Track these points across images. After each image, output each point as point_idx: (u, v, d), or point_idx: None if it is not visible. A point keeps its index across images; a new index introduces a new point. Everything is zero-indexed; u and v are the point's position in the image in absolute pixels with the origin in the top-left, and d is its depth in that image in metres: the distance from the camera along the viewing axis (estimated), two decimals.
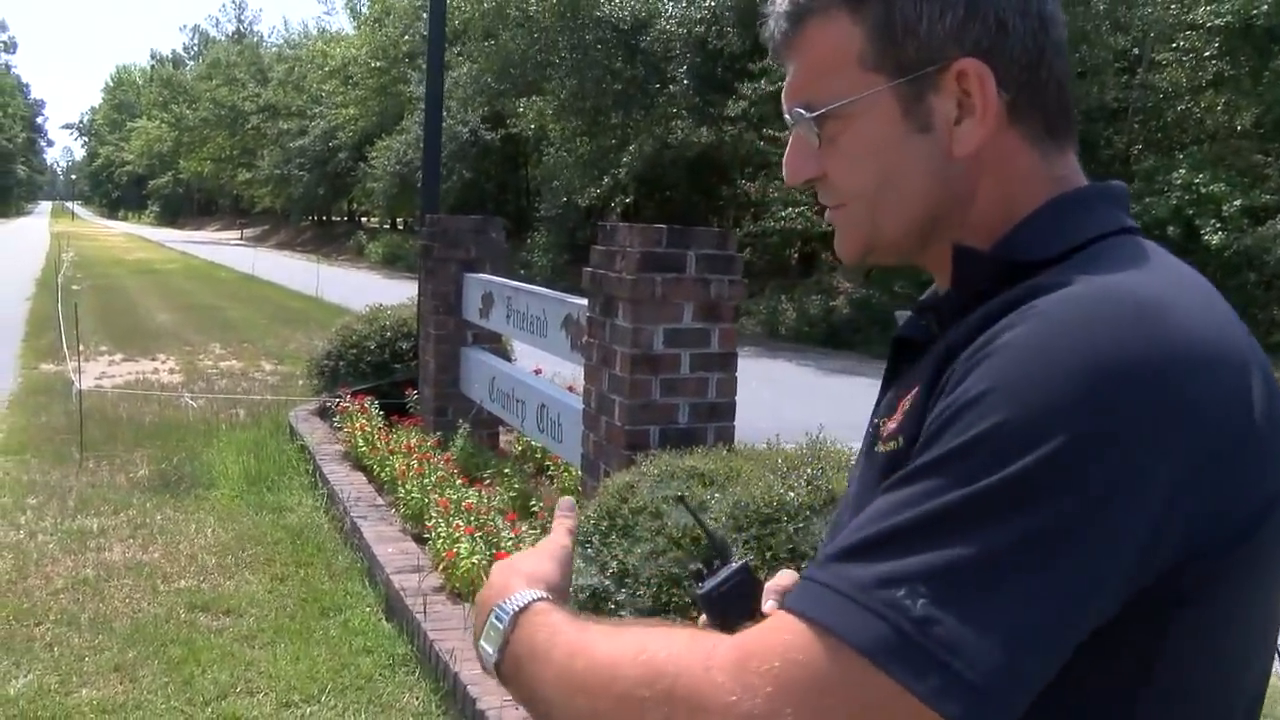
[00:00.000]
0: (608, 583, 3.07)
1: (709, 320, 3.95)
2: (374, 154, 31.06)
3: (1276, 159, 15.52)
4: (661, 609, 2.95)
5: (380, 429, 6.10)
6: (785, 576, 0.95)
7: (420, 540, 4.67)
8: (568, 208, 23.21)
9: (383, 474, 5.54)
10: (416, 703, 3.45)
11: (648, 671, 0.68)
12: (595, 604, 3.07)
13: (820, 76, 0.83)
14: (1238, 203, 14.39)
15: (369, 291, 13.23)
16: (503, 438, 6.58)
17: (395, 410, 6.65)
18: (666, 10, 17.76)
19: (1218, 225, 14.44)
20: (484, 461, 5.68)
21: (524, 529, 4.35)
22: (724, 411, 4.07)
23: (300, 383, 8.69)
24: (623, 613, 2.99)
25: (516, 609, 0.82)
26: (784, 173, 0.90)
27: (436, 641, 3.56)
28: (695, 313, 3.92)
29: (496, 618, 0.83)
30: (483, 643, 0.84)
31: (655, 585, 2.97)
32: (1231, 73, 15.61)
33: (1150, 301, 0.69)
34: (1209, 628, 0.69)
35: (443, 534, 4.34)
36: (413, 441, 5.85)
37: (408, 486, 4.92)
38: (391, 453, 5.58)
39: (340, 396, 6.85)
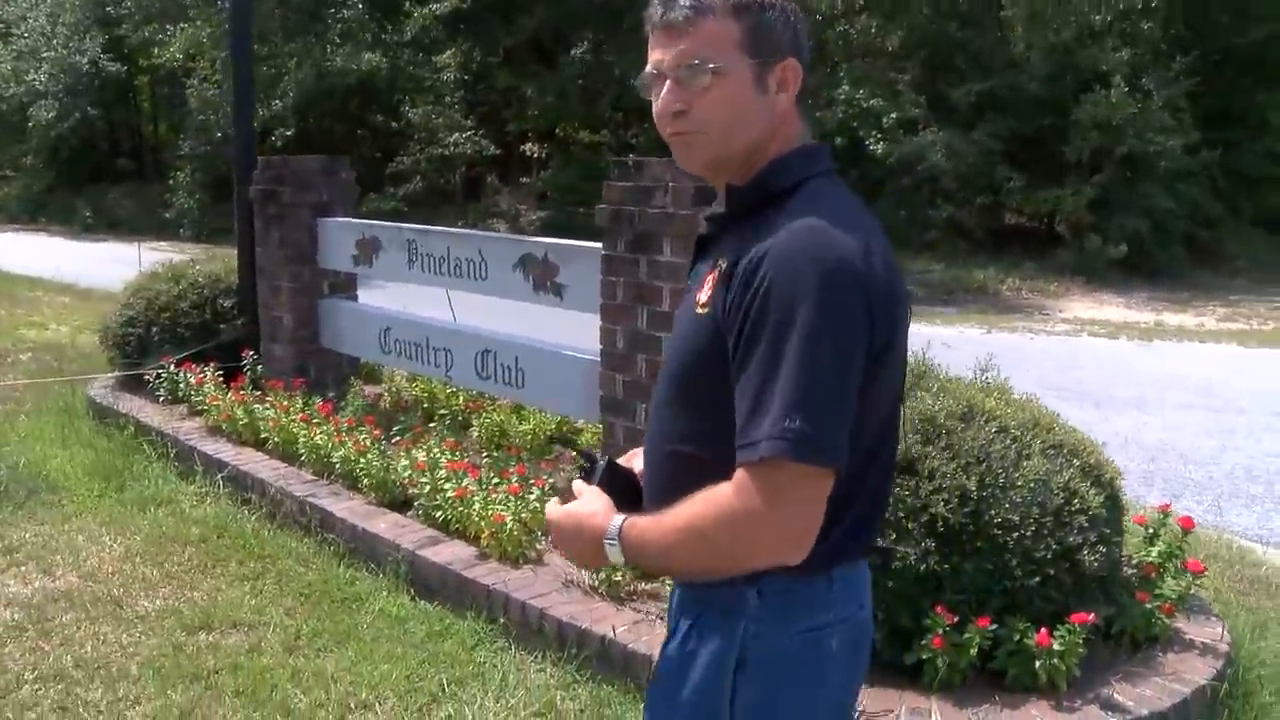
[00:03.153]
0: None
1: None
2: None
3: (912, 76, 17.62)
4: None
5: (243, 396, 5.40)
6: (632, 454, 1.63)
7: (399, 508, 4.29)
8: (218, 144, 21.10)
9: (289, 445, 4.94)
10: (544, 676, 3.24)
11: (701, 511, 1.29)
12: None
13: (709, 48, 1.35)
14: (894, 115, 16.24)
15: None
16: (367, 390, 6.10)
17: (228, 375, 5.91)
18: None
19: (879, 136, 16.24)
20: (389, 418, 5.26)
21: (545, 477, 4.15)
22: None
23: (93, 356, 7.37)
24: None
25: (617, 530, 1.39)
26: (656, 105, 1.40)
27: (548, 608, 3.36)
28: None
29: (609, 542, 1.39)
30: (611, 560, 1.40)
31: None
32: None
33: (824, 228, 1.30)
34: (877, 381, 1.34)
35: (443, 500, 4.02)
36: (288, 404, 5.25)
37: (369, 456, 4.45)
38: (303, 423, 4.98)
39: (164, 367, 5.97)
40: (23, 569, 4.12)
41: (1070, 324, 12.42)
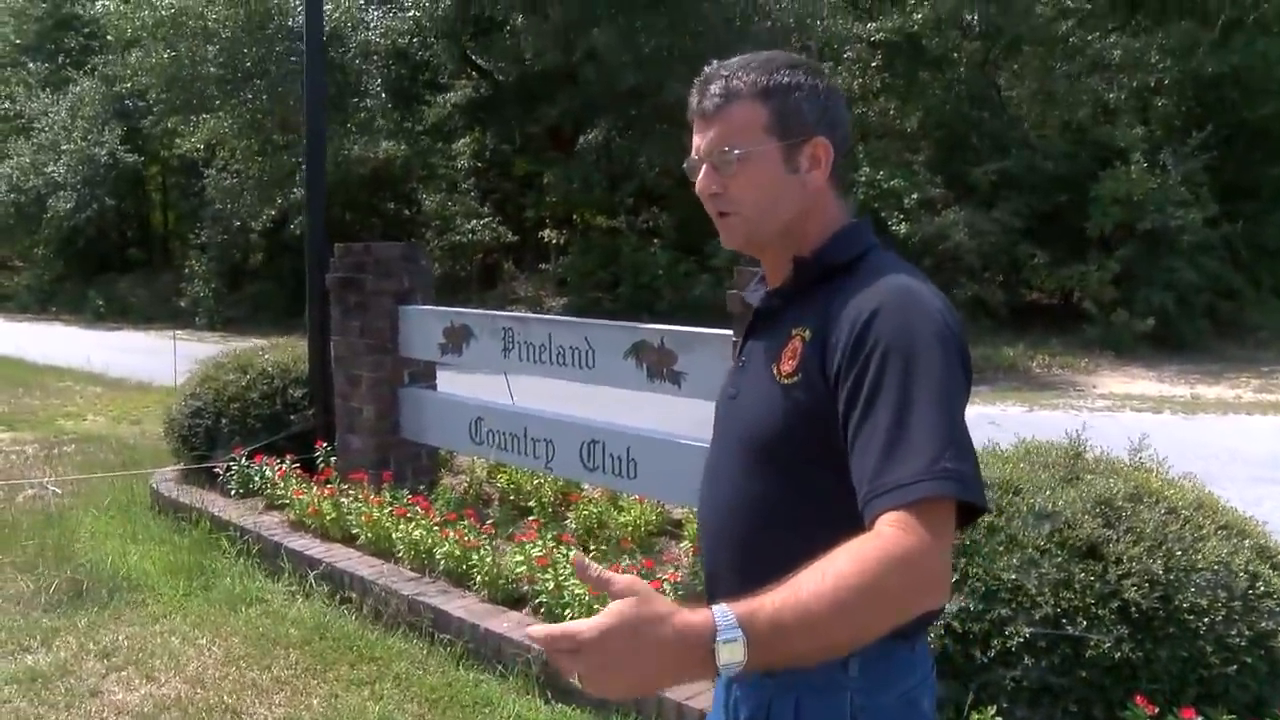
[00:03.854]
0: (980, 605, 2.93)
1: None
2: None
3: (927, 156, 17.87)
4: (1062, 615, 2.88)
5: (333, 490, 5.24)
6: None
7: (513, 606, 4.11)
8: (235, 232, 21.22)
9: (383, 541, 4.78)
10: None
11: (860, 567, 1.16)
12: (970, 629, 2.93)
13: (738, 134, 1.41)
14: (915, 195, 16.40)
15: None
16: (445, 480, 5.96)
17: (301, 467, 5.76)
18: (371, 20, 16.70)
19: (901, 217, 16.38)
20: (477, 512, 5.10)
21: (668, 571, 3.99)
22: None
23: (139, 447, 7.21)
24: (1017, 630, 2.88)
25: (734, 621, 1.12)
26: (697, 187, 1.46)
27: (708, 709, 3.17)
28: None
29: (726, 640, 1.11)
30: (724, 662, 1.11)
31: (1050, 590, 2.89)
32: (890, 80, 17.76)
33: (914, 288, 1.35)
34: None
35: (571, 598, 3.86)
36: (379, 498, 5.10)
37: (481, 553, 4.29)
38: (397, 517, 4.82)
39: (235, 459, 5.82)
40: (123, 674, 3.92)
41: (1109, 399, 12.34)
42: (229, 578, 4.92)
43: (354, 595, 4.49)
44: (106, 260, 26.45)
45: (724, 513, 1.46)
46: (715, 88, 1.42)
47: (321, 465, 5.73)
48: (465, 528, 4.60)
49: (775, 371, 1.38)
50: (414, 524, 4.72)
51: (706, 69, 1.47)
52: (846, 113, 1.49)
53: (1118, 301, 15.32)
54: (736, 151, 1.40)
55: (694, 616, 1.12)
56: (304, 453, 5.93)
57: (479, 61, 18.67)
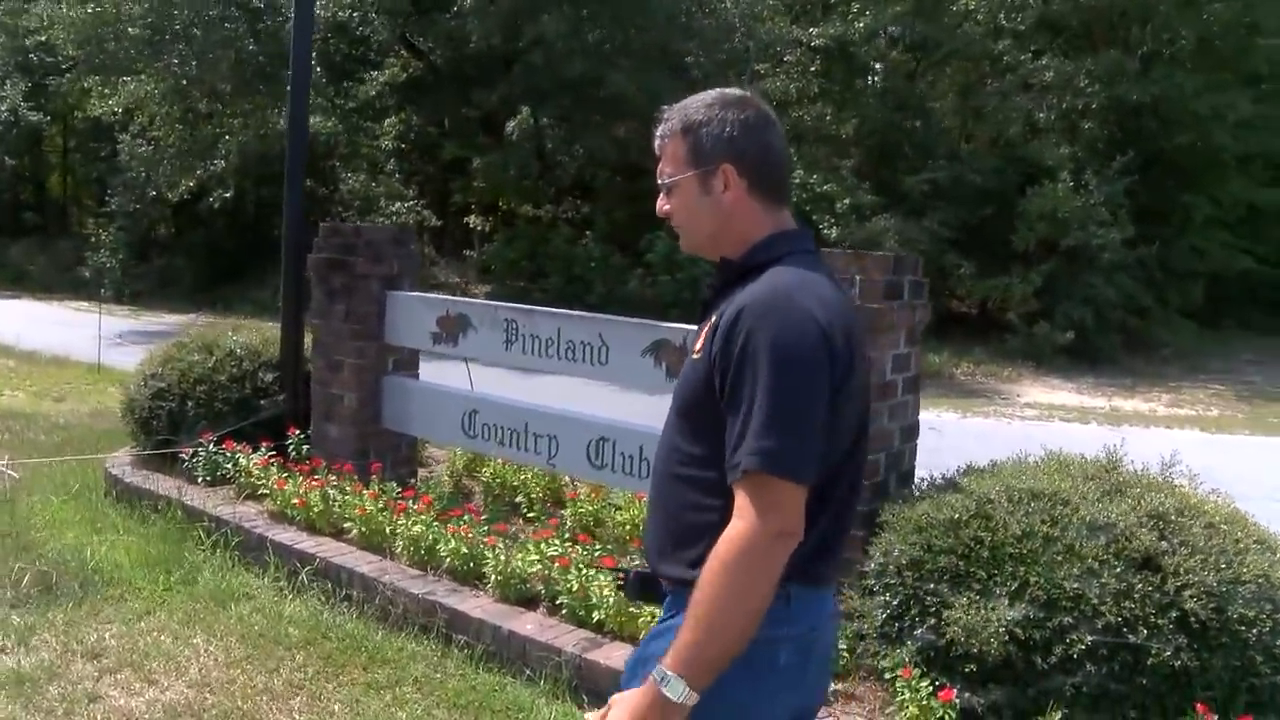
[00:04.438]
0: (1041, 613, 2.97)
1: (910, 344, 3.92)
2: None
3: (857, 162, 18.18)
4: (1123, 624, 2.93)
5: (321, 482, 5.02)
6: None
7: (526, 605, 4.01)
8: (149, 203, 20.29)
9: (376, 535, 4.61)
10: None
11: (715, 566, 1.53)
12: (1031, 636, 2.96)
13: (670, 164, 1.75)
14: (847, 200, 16.68)
15: None
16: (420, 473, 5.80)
17: (274, 454, 5.52)
18: None
19: (832, 221, 16.64)
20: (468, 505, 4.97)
21: None
22: (912, 434, 4.07)
23: (73, 428, 6.80)
24: (1079, 638, 2.92)
25: (662, 672, 1.54)
26: (657, 207, 1.79)
27: None
28: (905, 338, 3.87)
29: (665, 683, 1.53)
30: (676, 698, 1.52)
31: (1112, 600, 2.94)
32: (827, 86, 17.99)
33: (786, 291, 1.62)
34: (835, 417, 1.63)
35: (599, 599, 3.78)
36: (372, 490, 4.92)
37: (495, 551, 4.16)
38: (393, 510, 4.65)
39: (203, 444, 5.55)
40: (119, 676, 3.68)
41: (1036, 408, 12.76)
42: (207, 571, 4.69)
43: (354, 593, 4.32)
44: None
45: (657, 470, 1.76)
46: (662, 127, 1.77)
47: (293, 453, 5.50)
48: (469, 523, 4.47)
49: (694, 349, 1.70)
50: (413, 519, 4.56)
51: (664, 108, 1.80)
52: (767, 136, 1.74)
53: (1039, 314, 15.85)
54: (669, 180, 1.76)
55: (641, 685, 1.56)
56: (273, 439, 5.69)
57: (414, 41, 18.22)
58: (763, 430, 1.51)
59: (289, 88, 6.20)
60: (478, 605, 4.00)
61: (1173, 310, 17.45)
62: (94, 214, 21.99)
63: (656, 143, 1.78)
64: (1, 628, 4.02)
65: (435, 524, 4.49)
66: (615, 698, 1.60)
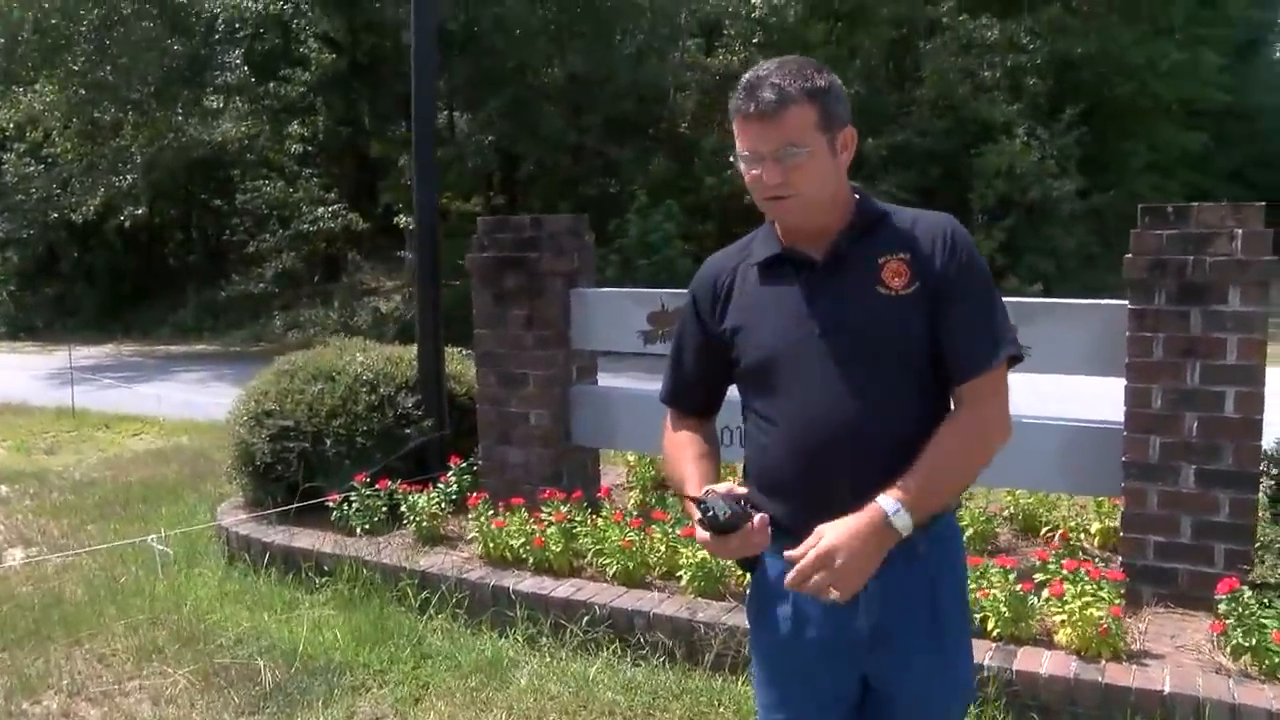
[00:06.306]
0: None
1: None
2: None
3: None
4: None
5: (562, 515, 4.29)
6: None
7: None
8: (45, 227, 18.44)
9: (640, 570, 3.98)
10: None
11: (964, 427, 1.72)
12: None
13: (798, 133, 1.67)
14: None
15: None
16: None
17: (420, 486, 4.81)
18: None
19: None
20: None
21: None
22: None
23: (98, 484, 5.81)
24: None
25: (893, 506, 1.63)
26: (760, 181, 1.69)
27: None
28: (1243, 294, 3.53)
29: (895, 514, 1.62)
30: (901, 528, 1.62)
31: None
32: (772, 56, 17.69)
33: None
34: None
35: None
36: (616, 514, 4.28)
37: None
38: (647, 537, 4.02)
39: (356, 488, 4.76)
40: None
41: None
42: (434, 638, 3.96)
43: (662, 639, 3.68)
44: None
45: (851, 424, 1.69)
46: (769, 94, 1.65)
47: (456, 485, 4.77)
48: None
49: (888, 289, 1.70)
50: (686, 549, 3.95)
51: (747, 75, 1.70)
52: None
53: (1006, 268, 16.00)
54: (805, 149, 1.66)
55: (866, 513, 1.60)
56: (420, 472, 4.97)
57: (333, 36, 16.99)
58: (1003, 325, 1.70)
59: (412, 74, 5.42)
60: None
61: (1118, 254, 17.91)
62: None
63: (760, 107, 1.65)
64: None
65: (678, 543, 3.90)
66: (822, 528, 1.60)
